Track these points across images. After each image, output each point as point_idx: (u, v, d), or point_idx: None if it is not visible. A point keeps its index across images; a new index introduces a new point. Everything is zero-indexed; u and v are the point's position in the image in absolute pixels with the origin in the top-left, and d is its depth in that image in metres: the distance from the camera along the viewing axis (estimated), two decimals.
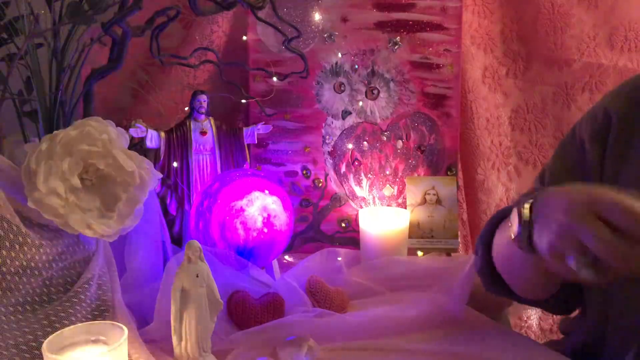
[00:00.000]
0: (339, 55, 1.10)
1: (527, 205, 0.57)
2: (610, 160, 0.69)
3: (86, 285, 0.69)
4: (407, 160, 1.12)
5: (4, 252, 0.63)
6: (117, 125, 0.70)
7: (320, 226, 1.13)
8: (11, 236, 0.64)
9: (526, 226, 0.57)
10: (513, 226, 0.59)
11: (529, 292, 0.74)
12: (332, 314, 0.81)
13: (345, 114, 1.11)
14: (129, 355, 0.64)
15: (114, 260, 0.77)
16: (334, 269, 0.94)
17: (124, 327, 0.61)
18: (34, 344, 0.63)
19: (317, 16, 1.08)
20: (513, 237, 0.59)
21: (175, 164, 0.99)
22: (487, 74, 1.17)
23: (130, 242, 0.83)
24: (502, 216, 0.72)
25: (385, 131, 1.12)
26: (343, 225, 1.13)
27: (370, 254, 0.99)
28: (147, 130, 0.96)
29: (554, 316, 1.22)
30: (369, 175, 1.12)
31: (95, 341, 0.61)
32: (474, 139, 1.17)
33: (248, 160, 1.04)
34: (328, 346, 0.75)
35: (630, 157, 0.68)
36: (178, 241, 1.00)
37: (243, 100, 1.07)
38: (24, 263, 0.65)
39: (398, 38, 1.09)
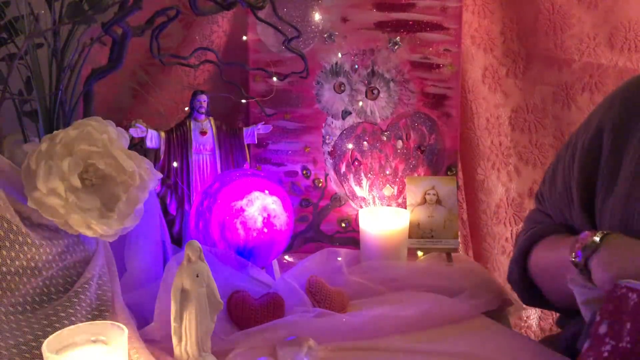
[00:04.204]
0: (339, 55, 1.10)
1: (597, 238, 0.64)
2: (602, 178, 0.71)
3: (86, 285, 0.69)
4: (407, 160, 1.12)
5: (4, 252, 0.63)
6: (117, 125, 0.70)
7: (320, 226, 1.13)
8: (11, 236, 0.64)
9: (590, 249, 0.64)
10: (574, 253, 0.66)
11: (570, 304, 0.76)
12: (332, 314, 0.81)
13: (345, 114, 1.11)
14: (129, 355, 0.64)
15: (114, 260, 0.77)
16: (334, 269, 0.94)
17: (124, 327, 0.61)
18: (34, 344, 0.63)
19: (317, 16, 1.08)
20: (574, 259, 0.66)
21: (175, 164, 0.99)
22: (487, 74, 1.17)
23: (130, 242, 0.83)
24: (532, 242, 0.81)
25: (385, 131, 1.12)
26: (343, 225, 1.13)
27: (370, 254, 0.99)
28: (147, 130, 0.96)
29: (554, 316, 1.22)
30: (369, 175, 1.12)
31: (95, 341, 0.61)
32: (474, 139, 1.17)
33: (248, 160, 1.04)
34: (328, 346, 0.75)
35: (620, 174, 0.69)
36: (178, 241, 1.00)
37: (243, 100, 1.07)
38: (24, 263, 0.65)
39: (398, 38, 1.09)
